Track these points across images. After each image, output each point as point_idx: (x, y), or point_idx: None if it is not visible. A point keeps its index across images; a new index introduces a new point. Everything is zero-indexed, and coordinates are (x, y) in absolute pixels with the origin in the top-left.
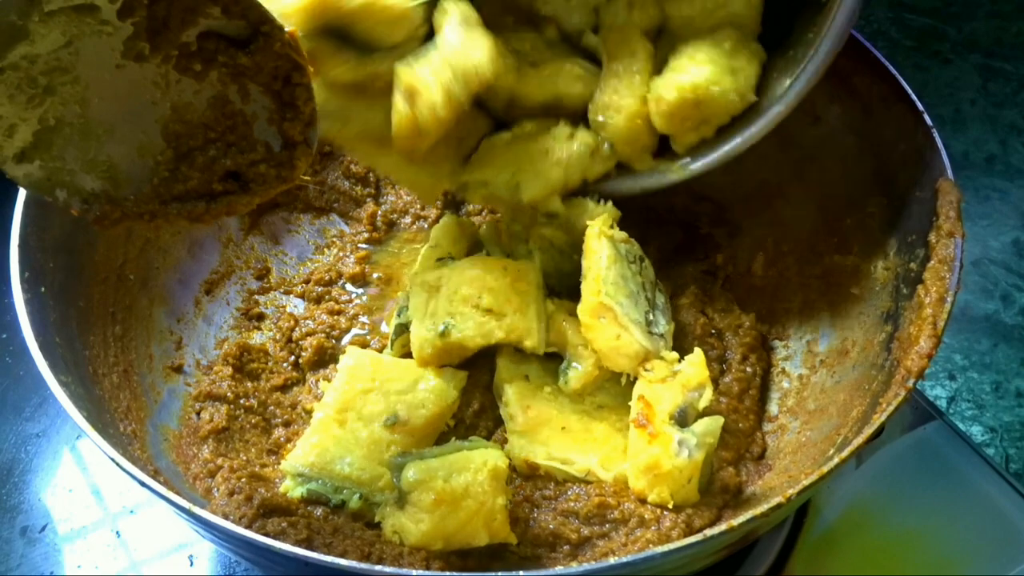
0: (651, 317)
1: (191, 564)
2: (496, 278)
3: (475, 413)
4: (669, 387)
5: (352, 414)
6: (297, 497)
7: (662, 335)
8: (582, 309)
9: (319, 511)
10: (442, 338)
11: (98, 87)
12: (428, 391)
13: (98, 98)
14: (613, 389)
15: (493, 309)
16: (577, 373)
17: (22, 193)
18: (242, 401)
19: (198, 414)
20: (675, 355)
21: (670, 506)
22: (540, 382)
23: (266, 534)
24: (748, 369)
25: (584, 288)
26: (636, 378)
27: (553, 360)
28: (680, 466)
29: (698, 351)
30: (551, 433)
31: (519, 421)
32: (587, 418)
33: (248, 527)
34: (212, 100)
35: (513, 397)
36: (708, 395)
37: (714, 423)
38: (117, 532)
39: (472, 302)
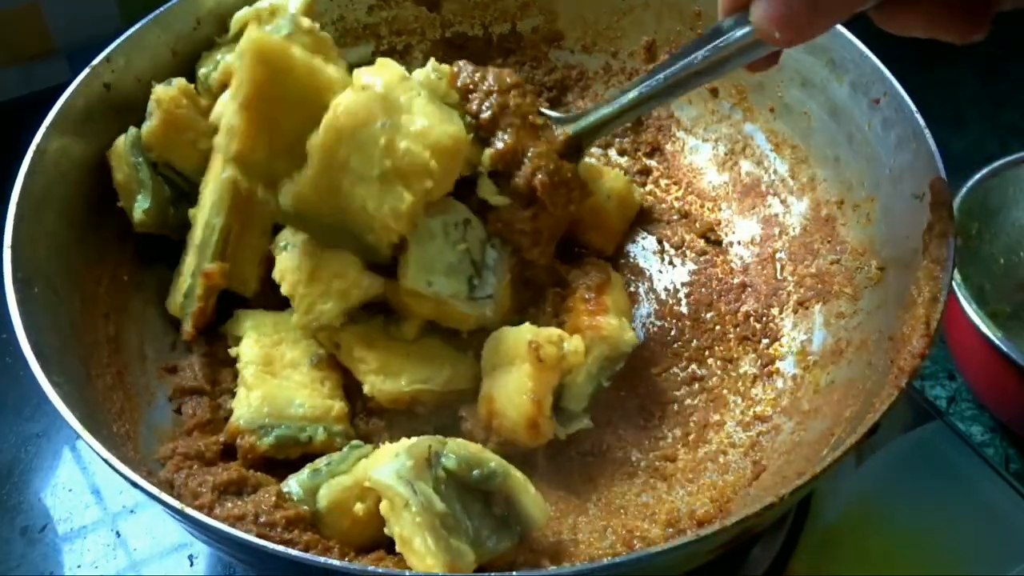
0: (475, 282)
1: (191, 564)
2: None
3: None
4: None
5: (277, 365)
6: (267, 447)
7: (490, 295)
8: (401, 290)
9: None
10: None
11: None
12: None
13: None
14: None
15: None
16: (408, 324)
17: (16, 193)
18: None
19: (178, 410)
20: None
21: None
22: (367, 317)
23: (266, 534)
24: None
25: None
26: None
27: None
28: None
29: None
30: (401, 361)
31: (370, 361)
32: (422, 340)
33: (211, 507)
34: None
35: (354, 341)
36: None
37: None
38: (117, 532)
39: None
